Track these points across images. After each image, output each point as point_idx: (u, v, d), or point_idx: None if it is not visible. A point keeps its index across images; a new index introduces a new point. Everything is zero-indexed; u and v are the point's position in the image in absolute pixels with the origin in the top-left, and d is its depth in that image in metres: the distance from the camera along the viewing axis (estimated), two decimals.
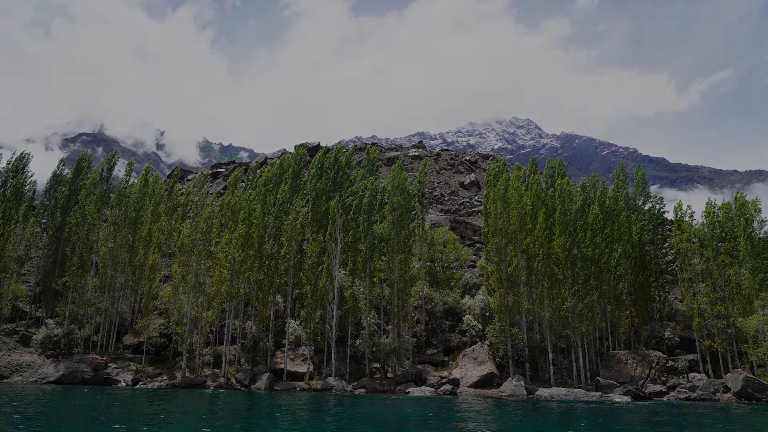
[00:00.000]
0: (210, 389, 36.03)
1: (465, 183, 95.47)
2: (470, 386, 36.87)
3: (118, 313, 46.54)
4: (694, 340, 41.90)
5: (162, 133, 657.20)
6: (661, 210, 51.37)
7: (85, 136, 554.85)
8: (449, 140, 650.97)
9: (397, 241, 43.54)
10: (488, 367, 37.86)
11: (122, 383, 37.20)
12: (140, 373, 38.65)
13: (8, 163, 50.36)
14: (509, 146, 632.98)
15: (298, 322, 41.43)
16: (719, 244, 41.64)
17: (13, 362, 39.05)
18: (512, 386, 35.01)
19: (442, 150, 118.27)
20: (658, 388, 35.33)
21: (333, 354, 39.02)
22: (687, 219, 45.99)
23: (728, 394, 33.80)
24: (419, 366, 40.31)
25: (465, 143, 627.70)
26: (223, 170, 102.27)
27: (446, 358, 42.90)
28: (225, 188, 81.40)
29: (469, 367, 38.43)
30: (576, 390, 34.82)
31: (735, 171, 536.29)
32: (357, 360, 41.04)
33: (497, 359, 39.29)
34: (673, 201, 54.97)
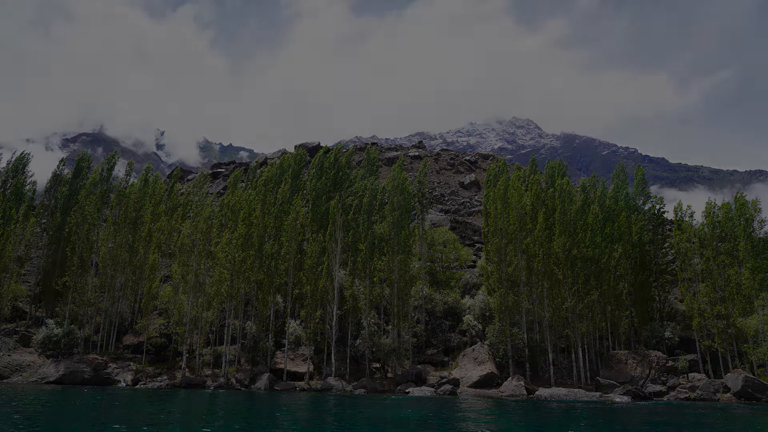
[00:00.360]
0: (210, 389, 36.03)
1: (465, 183, 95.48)
2: (470, 386, 36.87)
3: (118, 313, 46.53)
4: (694, 340, 41.90)
5: (162, 133, 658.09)
6: (661, 210, 51.33)
7: (85, 136, 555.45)
8: (449, 140, 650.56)
9: (397, 241, 43.55)
10: (488, 367, 37.86)
11: (122, 383, 37.21)
12: (140, 373, 38.65)
13: (8, 163, 50.45)
14: (509, 146, 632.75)
15: (298, 322, 41.43)
16: (719, 244, 41.63)
17: (13, 362, 39.05)
18: (512, 386, 35.01)
19: (442, 150, 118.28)
20: (658, 388, 35.33)
21: (333, 354, 39.02)
22: (687, 219, 45.98)
23: (728, 394, 33.80)
24: (419, 366, 40.30)
25: (465, 143, 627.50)
26: (223, 170, 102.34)
27: (446, 358, 42.89)
28: (225, 188, 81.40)
29: (469, 367, 38.44)
30: (576, 390, 34.82)
31: (735, 171, 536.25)
32: (357, 360, 41.04)
33: (497, 359, 39.28)
34: (673, 201, 54.91)
